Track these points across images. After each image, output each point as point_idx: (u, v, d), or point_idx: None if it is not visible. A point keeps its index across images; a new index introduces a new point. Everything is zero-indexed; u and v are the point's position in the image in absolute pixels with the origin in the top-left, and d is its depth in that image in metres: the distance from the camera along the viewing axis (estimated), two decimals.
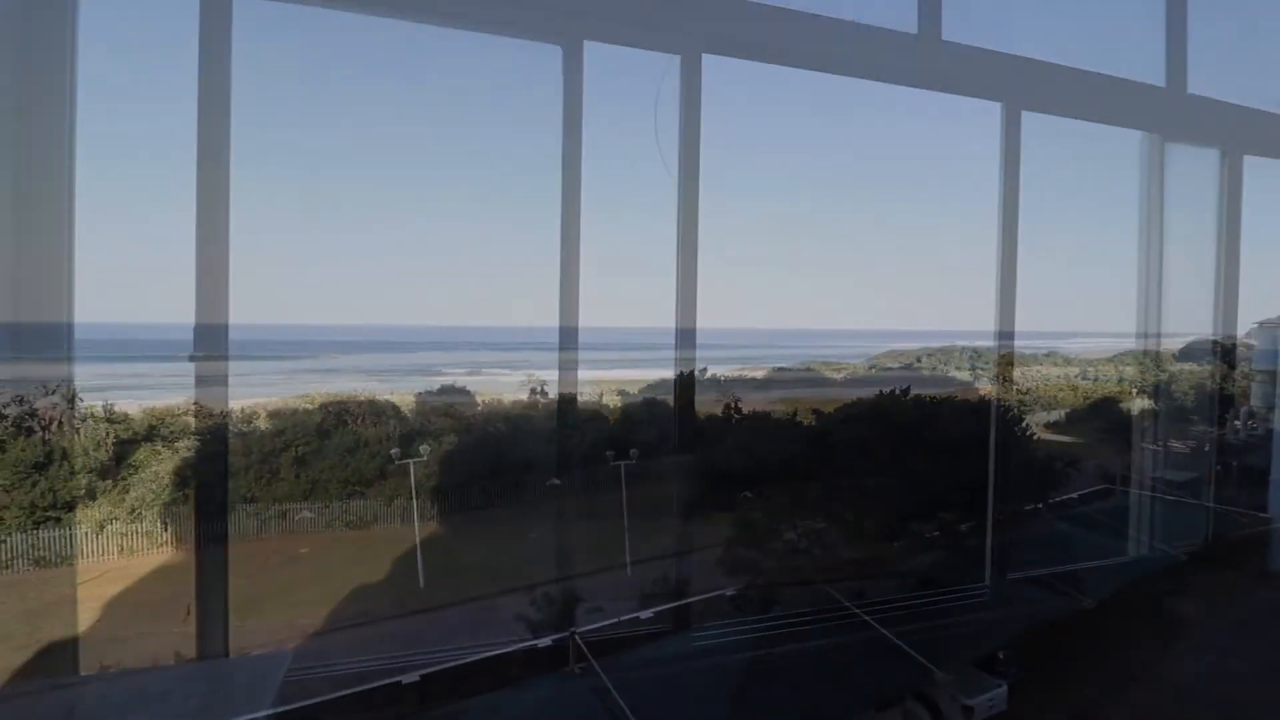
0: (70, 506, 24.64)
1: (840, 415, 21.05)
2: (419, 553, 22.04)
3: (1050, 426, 47.62)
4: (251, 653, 17.20)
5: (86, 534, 23.99)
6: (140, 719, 14.20)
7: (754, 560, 17.34)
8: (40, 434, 27.14)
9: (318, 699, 13.05)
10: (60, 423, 28.13)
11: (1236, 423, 35.11)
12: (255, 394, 44.17)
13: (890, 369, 69.25)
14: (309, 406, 34.81)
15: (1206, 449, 35.17)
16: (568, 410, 37.57)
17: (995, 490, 18.67)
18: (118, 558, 23.86)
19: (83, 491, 25.18)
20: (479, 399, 41.82)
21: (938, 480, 17.75)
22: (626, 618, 16.25)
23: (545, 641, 14.85)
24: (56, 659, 16.75)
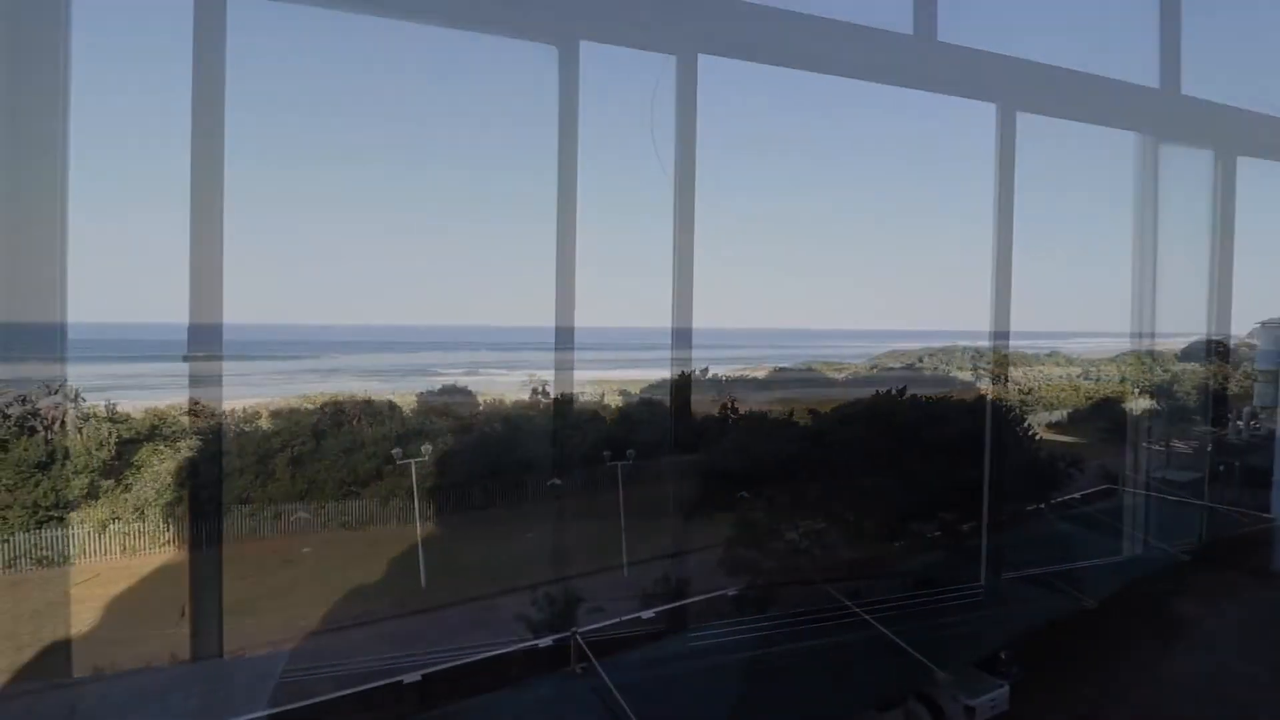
0: (70, 506, 24.72)
1: (836, 415, 20.96)
2: (420, 552, 22.07)
3: (1053, 427, 47.56)
4: (248, 654, 17.22)
5: (87, 533, 24.05)
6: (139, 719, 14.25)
7: (749, 560, 17.32)
8: (43, 434, 27.24)
9: (321, 698, 13.07)
10: (62, 422, 28.23)
11: (1239, 423, 35.02)
12: (257, 394, 44.22)
13: (892, 369, 69.19)
14: (310, 406, 34.88)
15: (1209, 449, 35.09)
16: (566, 410, 37.65)
17: (994, 490, 18.64)
18: (120, 557, 23.93)
19: (85, 491, 25.26)
20: (480, 399, 41.88)
21: (934, 480, 17.71)
22: (628, 617, 16.24)
23: (546, 641, 14.86)
24: (51, 660, 16.82)
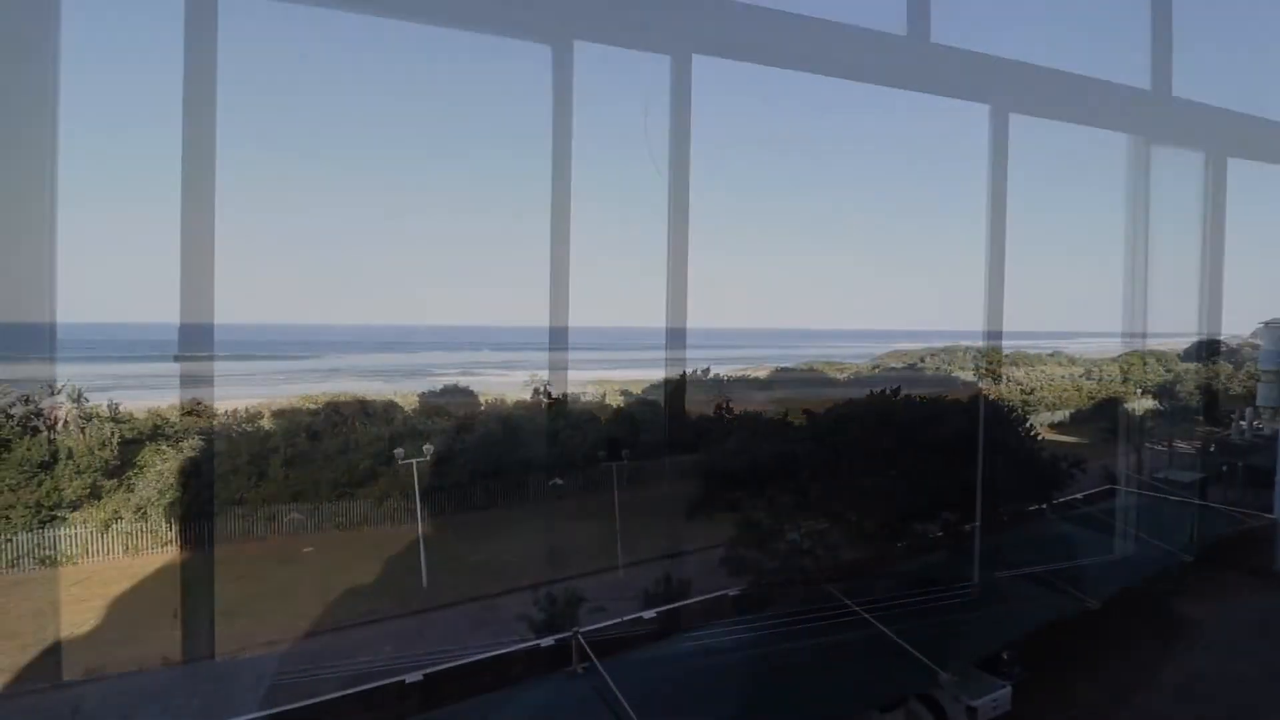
0: (73, 505, 24.79)
1: (831, 416, 20.85)
2: (422, 551, 22.10)
3: (1055, 427, 47.54)
4: (243, 655, 17.24)
5: (90, 533, 24.11)
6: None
7: (745, 560, 17.29)
8: (46, 433, 27.32)
9: (324, 697, 13.10)
10: (65, 422, 28.31)
11: (1242, 423, 34.97)
12: (260, 393, 44.41)
13: (894, 369, 69.29)
14: (313, 406, 34.96)
15: (1212, 449, 35.03)
16: (567, 410, 37.62)
17: (990, 490, 18.61)
18: (122, 556, 24.00)
19: (87, 491, 25.32)
20: (482, 399, 41.97)
21: (929, 480, 17.66)
22: (629, 617, 16.26)
23: (548, 641, 14.88)
24: (55, 660, 16.87)
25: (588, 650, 12.81)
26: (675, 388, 39.60)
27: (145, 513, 24.88)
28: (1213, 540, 21.18)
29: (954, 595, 15.60)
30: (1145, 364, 61.11)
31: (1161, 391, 53.85)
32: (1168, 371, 59.70)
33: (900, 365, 71.86)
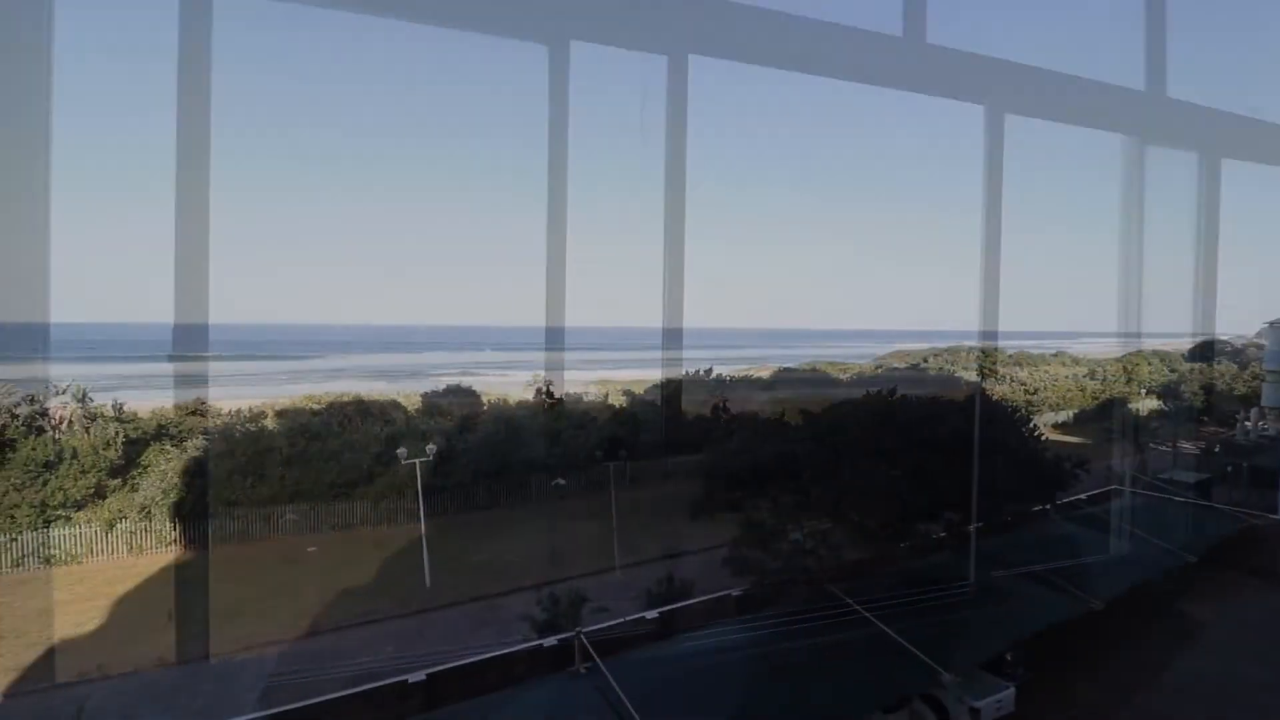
0: (78, 505, 24.87)
1: (828, 416, 20.78)
2: (424, 551, 22.12)
3: (1058, 427, 47.41)
4: (246, 655, 17.28)
5: (95, 532, 24.18)
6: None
7: (748, 561, 17.27)
8: (51, 433, 27.40)
9: (327, 696, 13.13)
10: (69, 422, 28.40)
11: (1247, 423, 34.85)
12: (263, 393, 44.53)
13: (897, 369, 69.20)
14: (315, 406, 35.03)
15: (1216, 450, 34.92)
16: (568, 410, 37.63)
17: (995, 490, 18.55)
18: (127, 556, 24.07)
19: (92, 491, 25.40)
20: (484, 399, 42.02)
21: (926, 480, 17.61)
22: (632, 617, 16.26)
23: (551, 641, 14.89)
24: (58, 659, 16.93)
25: (590, 650, 12.80)
26: (672, 388, 39.63)
27: (149, 512, 24.94)
28: (1217, 541, 21.11)
29: (957, 595, 15.56)
30: (1149, 364, 60.95)
31: (1166, 392, 53.71)
32: (1172, 371, 59.53)
33: (903, 365, 71.76)
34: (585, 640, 13.03)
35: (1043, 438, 24.80)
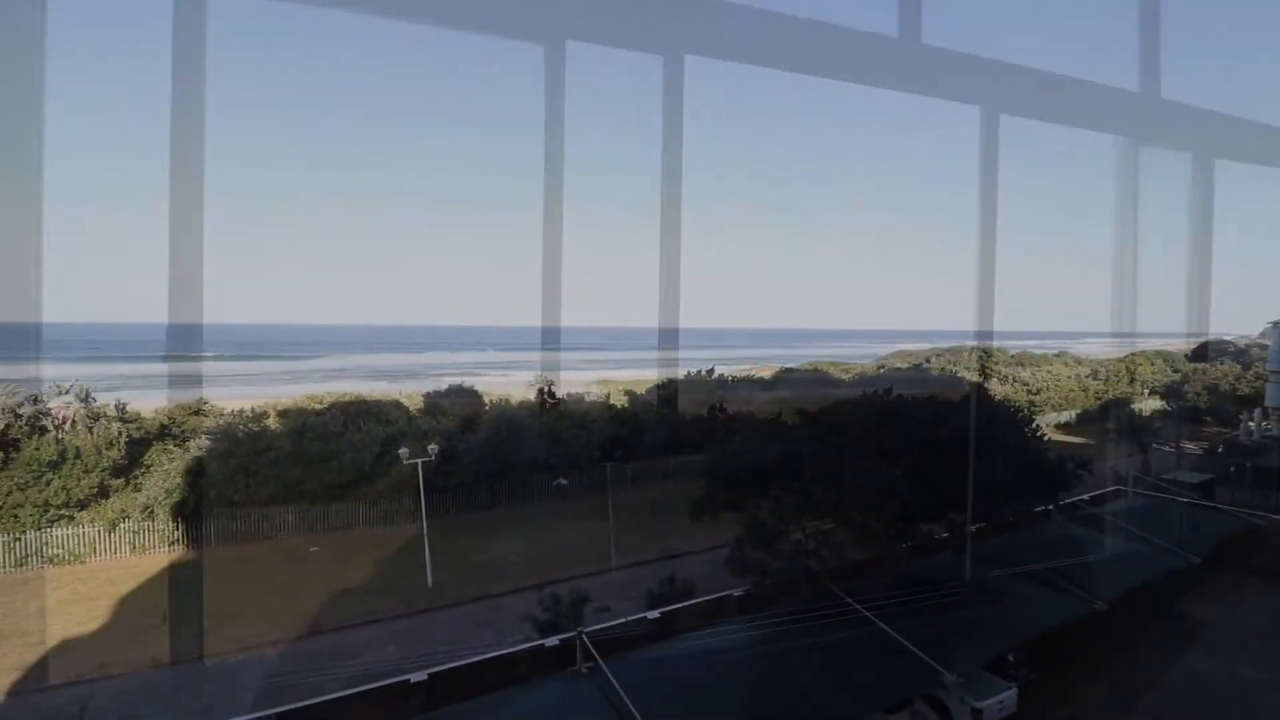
0: (81, 505, 24.92)
1: (826, 416, 20.75)
2: (426, 550, 22.13)
3: (1061, 427, 47.29)
4: (246, 655, 17.29)
5: (98, 532, 24.22)
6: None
7: (750, 561, 17.24)
8: (54, 433, 27.46)
9: (330, 696, 13.14)
10: (73, 421, 28.46)
11: (1250, 424, 34.69)
12: (265, 393, 44.56)
13: (899, 369, 69.02)
14: (318, 406, 35.04)
15: (1220, 450, 34.77)
16: (569, 411, 37.63)
17: (997, 491, 18.48)
18: (129, 555, 24.11)
19: (95, 490, 25.45)
20: (486, 399, 42.02)
21: (924, 480, 17.55)
22: (634, 617, 16.24)
23: (552, 641, 14.88)
24: (61, 659, 16.97)
25: (592, 650, 12.79)
26: (673, 388, 39.60)
27: (152, 512, 24.97)
28: (1219, 541, 21.02)
29: (958, 596, 15.51)
30: (1152, 364, 60.75)
31: (1168, 392, 53.52)
32: (1175, 371, 59.33)
33: (905, 365, 71.62)
34: (587, 640, 13.02)
35: (1045, 438, 24.73)
